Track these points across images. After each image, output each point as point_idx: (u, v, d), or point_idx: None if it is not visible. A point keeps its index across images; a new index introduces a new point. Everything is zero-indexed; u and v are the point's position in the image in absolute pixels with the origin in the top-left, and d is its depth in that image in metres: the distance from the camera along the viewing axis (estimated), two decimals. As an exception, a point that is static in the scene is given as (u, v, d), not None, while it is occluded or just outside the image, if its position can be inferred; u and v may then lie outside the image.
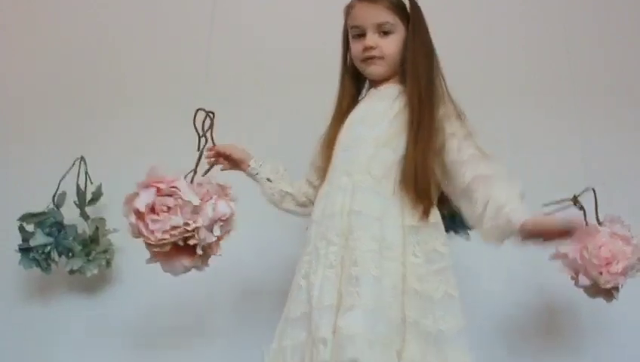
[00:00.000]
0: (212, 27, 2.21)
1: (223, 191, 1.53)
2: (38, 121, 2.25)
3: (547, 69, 2.26)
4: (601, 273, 1.65)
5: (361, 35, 1.64)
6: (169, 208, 1.41)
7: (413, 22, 1.64)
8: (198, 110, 1.67)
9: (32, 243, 1.96)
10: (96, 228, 2.03)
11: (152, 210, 1.42)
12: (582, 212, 1.84)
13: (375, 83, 1.69)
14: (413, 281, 1.46)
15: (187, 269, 1.53)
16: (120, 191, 2.08)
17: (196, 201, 1.42)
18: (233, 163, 1.77)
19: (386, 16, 1.62)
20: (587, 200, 1.86)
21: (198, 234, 1.43)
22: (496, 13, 2.30)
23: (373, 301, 1.42)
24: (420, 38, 1.64)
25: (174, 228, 1.41)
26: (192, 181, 1.53)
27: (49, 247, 1.97)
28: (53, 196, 2.03)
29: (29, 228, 2.00)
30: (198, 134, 1.66)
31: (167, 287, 2.08)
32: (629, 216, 1.83)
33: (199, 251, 1.47)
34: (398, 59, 1.64)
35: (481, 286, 2.02)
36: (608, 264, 1.64)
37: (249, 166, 1.75)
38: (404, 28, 1.64)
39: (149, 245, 1.47)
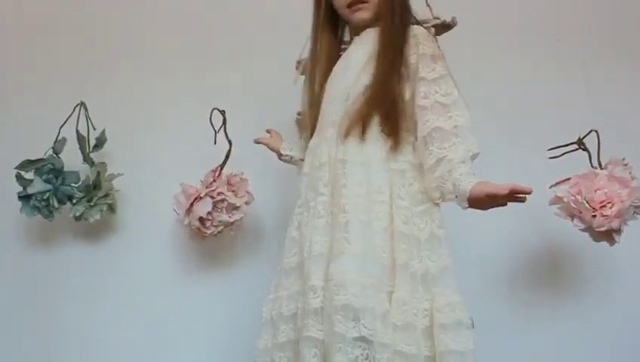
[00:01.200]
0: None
1: (244, 183, 1.95)
2: (37, 67, 2.23)
3: (550, 9, 2.19)
4: (594, 216, 1.63)
5: None
6: (218, 209, 1.89)
7: None
8: (213, 110, 1.95)
9: (30, 190, 1.95)
10: (98, 173, 2.02)
11: (209, 212, 1.88)
12: (587, 154, 1.82)
13: (357, 29, 1.65)
14: (400, 224, 1.46)
15: None
16: (122, 136, 2.12)
17: (238, 202, 1.91)
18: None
19: None
20: (593, 143, 1.83)
21: (234, 223, 1.93)
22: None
23: (362, 246, 1.43)
24: None
25: (221, 222, 1.90)
26: (219, 174, 1.93)
27: (47, 194, 1.97)
28: (54, 143, 2.02)
29: (29, 175, 1.99)
30: (215, 131, 1.96)
31: (173, 234, 2.09)
32: (634, 157, 1.80)
33: (232, 232, 1.96)
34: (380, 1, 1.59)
35: (483, 231, 2.01)
36: (602, 207, 1.61)
37: (282, 155, 1.83)
38: None
39: (203, 235, 1.91)
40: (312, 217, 1.51)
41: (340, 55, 1.65)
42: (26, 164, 1.98)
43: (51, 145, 2.02)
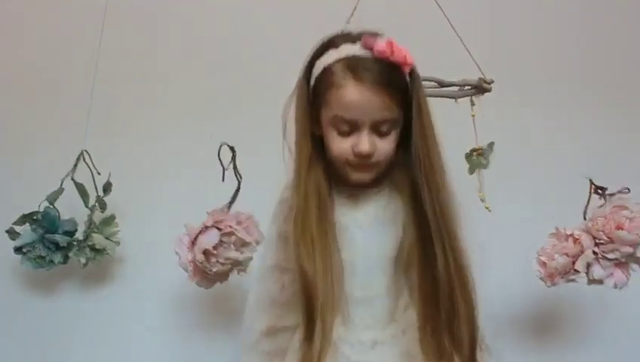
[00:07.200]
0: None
1: (253, 221, 1.75)
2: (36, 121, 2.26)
3: (553, 68, 2.19)
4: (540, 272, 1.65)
5: (350, 131, 1.25)
6: (226, 244, 1.69)
7: (418, 99, 1.23)
8: (221, 145, 1.76)
9: (18, 242, 1.98)
10: (90, 217, 2.03)
11: (214, 247, 1.68)
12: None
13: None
14: None
15: None
16: (126, 182, 2.10)
17: (248, 238, 1.71)
18: None
19: (389, 110, 1.23)
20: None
21: (243, 262, 1.72)
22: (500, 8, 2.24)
23: None
24: (426, 119, 1.24)
25: (228, 259, 1.69)
26: (227, 210, 1.76)
27: (35, 243, 1.98)
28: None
29: (23, 228, 2.01)
30: (223, 168, 1.78)
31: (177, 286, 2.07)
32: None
33: (237, 273, 1.76)
34: (391, 156, 1.29)
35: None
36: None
37: None
38: (402, 113, 1.25)
39: (206, 274, 1.71)
40: None
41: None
42: (21, 219, 2.01)
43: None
